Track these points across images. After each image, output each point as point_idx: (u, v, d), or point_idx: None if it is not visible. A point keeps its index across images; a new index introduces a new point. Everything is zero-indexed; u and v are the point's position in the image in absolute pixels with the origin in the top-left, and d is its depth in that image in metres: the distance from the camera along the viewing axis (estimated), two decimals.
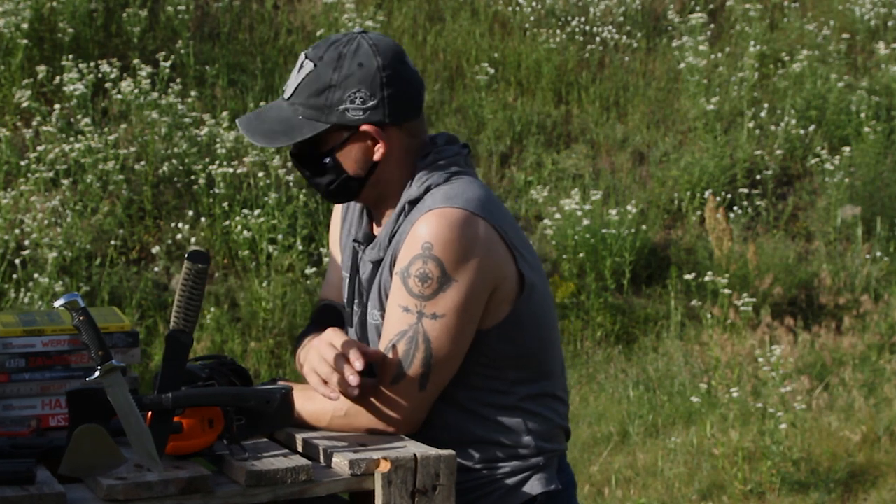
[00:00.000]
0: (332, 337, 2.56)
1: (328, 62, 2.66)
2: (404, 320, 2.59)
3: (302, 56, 2.71)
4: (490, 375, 2.68)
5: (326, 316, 2.87)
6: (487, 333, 2.64)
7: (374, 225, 2.80)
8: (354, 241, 2.81)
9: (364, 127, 2.66)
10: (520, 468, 2.70)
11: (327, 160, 2.69)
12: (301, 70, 2.69)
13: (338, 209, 2.94)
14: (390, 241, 2.69)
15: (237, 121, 2.74)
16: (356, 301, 2.80)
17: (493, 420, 2.69)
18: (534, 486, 2.70)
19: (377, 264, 2.72)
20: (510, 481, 2.70)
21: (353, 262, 2.81)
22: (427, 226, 2.58)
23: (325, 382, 2.56)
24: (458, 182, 2.66)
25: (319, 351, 2.56)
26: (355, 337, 2.80)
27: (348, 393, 2.56)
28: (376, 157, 2.69)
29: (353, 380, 2.52)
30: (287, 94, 2.70)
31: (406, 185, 2.70)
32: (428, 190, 2.66)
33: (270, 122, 2.69)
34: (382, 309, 2.69)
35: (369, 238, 2.77)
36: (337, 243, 2.92)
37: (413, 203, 2.66)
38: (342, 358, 2.53)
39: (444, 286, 2.57)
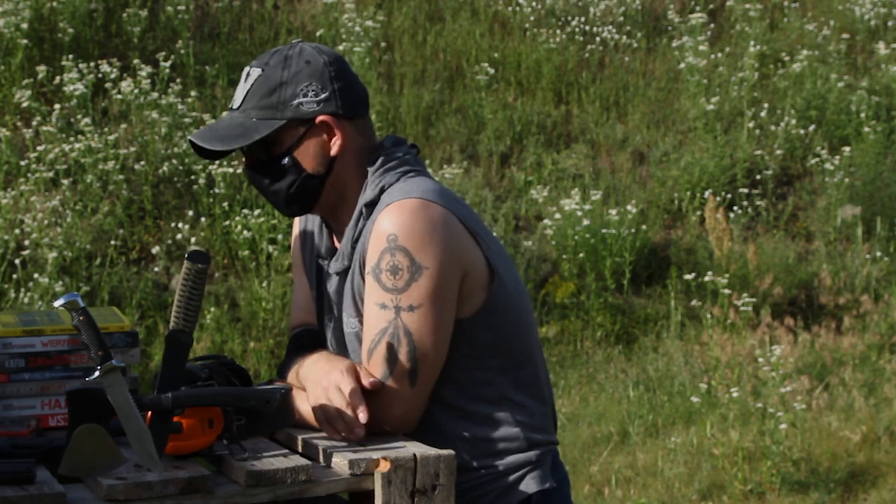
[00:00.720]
0: (341, 381, 2.57)
1: (275, 65, 2.71)
2: (382, 317, 2.60)
3: (246, 68, 2.76)
4: (472, 366, 2.68)
5: (303, 342, 2.87)
6: (467, 322, 2.65)
7: (335, 239, 2.81)
8: (318, 257, 2.82)
9: (320, 118, 2.69)
10: (514, 465, 2.70)
11: (285, 160, 2.70)
12: (248, 79, 2.72)
13: (295, 235, 2.95)
14: (353, 247, 2.71)
15: (189, 137, 2.75)
16: (327, 316, 2.81)
17: (481, 415, 2.69)
18: (529, 485, 2.70)
19: (344, 273, 2.74)
20: (505, 481, 2.70)
21: (320, 278, 2.82)
22: (389, 219, 2.60)
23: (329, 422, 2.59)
24: (411, 180, 2.69)
25: (328, 393, 2.58)
26: (333, 350, 2.81)
27: (352, 438, 2.57)
28: (334, 150, 2.71)
29: (360, 432, 2.55)
30: (236, 105, 2.73)
31: (361, 190, 2.72)
32: (383, 191, 2.68)
33: (224, 130, 2.71)
34: (359, 315, 2.70)
35: (332, 252, 2.79)
36: (300, 267, 2.93)
37: (370, 206, 2.69)
38: (349, 408, 2.55)
39: (416, 275, 2.58)
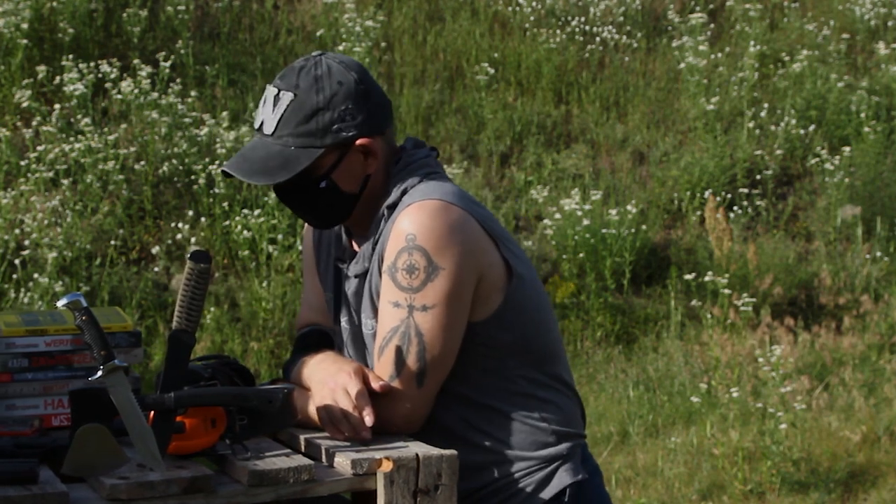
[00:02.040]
0: (348, 383, 2.57)
1: (307, 88, 2.67)
2: (396, 316, 2.60)
3: (272, 90, 2.69)
4: (494, 367, 2.69)
5: (311, 341, 2.87)
6: (485, 323, 2.66)
7: (354, 241, 2.81)
8: (337, 259, 2.82)
9: (359, 142, 2.68)
10: (545, 459, 2.72)
11: (323, 184, 2.69)
12: (279, 103, 2.67)
13: (308, 236, 2.94)
14: (374, 249, 2.71)
15: (223, 167, 2.70)
16: (345, 318, 2.81)
17: (509, 413, 2.71)
18: (562, 478, 2.73)
19: (363, 276, 2.74)
20: (538, 475, 2.72)
21: (337, 280, 2.82)
22: (408, 219, 2.60)
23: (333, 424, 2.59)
24: (432, 182, 2.69)
25: (334, 395, 2.58)
26: (350, 353, 2.81)
27: (357, 440, 2.57)
28: (370, 170, 2.71)
29: (366, 435, 2.55)
30: (269, 131, 2.68)
31: (384, 195, 2.72)
32: (405, 193, 2.69)
33: (262, 161, 2.66)
34: (377, 315, 2.70)
35: (351, 254, 2.79)
36: (313, 267, 2.93)
37: (391, 208, 2.69)
38: (355, 410, 2.55)
39: (432, 275, 2.58)
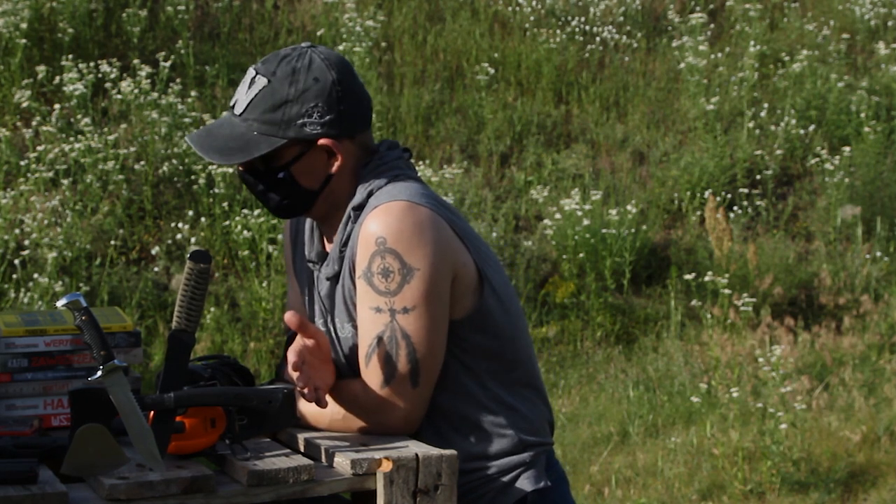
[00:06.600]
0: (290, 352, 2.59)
1: (282, 77, 2.65)
2: (378, 321, 2.59)
3: (251, 71, 2.70)
4: (464, 369, 2.68)
5: None
6: (458, 324, 2.65)
7: (326, 241, 2.80)
8: (309, 261, 2.81)
9: (321, 141, 2.67)
10: (507, 466, 2.69)
11: (282, 175, 2.68)
12: (253, 86, 2.67)
13: (286, 237, 2.94)
14: (342, 252, 2.70)
15: (186, 138, 2.70)
16: (321, 321, 2.80)
17: (474, 417, 2.69)
18: (523, 485, 2.70)
19: (334, 279, 2.73)
20: (499, 482, 2.69)
21: (311, 282, 2.82)
22: (376, 222, 2.59)
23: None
24: (399, 183, 2.67)
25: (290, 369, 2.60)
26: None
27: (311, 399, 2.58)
28: (332, 169, 2.69)
29: (292, 370, 2.56)
30: (239, 111, 2.68)
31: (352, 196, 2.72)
32: (371, 194, 2.67)
33: (224, 139, 2.66)
34: (352, 320, 2.69)
35: (322, 256, 2.78)
36: (291, 268, 2.93)
37: (357, 209, 2.67)
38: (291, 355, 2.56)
39: (408, 277, 2.57)
